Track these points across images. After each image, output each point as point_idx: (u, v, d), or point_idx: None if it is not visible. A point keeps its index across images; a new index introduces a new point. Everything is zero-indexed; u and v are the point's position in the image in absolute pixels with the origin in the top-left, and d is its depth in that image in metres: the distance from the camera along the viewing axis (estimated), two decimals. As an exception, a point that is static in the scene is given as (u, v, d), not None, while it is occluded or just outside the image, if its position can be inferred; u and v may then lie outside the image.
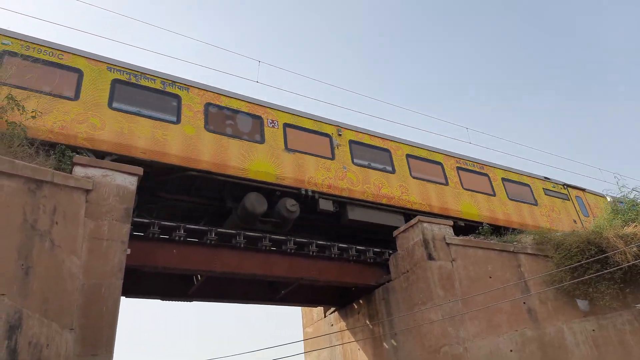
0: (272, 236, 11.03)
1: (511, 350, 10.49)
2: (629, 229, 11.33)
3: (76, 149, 8.52)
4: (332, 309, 14.08)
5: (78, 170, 7.51)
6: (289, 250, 11.10)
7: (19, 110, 6.84)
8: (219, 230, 10.35)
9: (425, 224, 11.43)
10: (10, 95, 6.47)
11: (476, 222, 13.86)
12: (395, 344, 11.46)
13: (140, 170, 8.35)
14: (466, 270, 11.26)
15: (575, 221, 16.65)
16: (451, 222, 12.04)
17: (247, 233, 10.69)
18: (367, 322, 12.51)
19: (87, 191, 7.42)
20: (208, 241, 10.10)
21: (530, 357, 10.49)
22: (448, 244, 11.42)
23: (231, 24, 57.09)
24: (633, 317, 10.43)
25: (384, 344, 11.82)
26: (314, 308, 14.79)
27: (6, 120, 6.46)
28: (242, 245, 10.54)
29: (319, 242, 11.57)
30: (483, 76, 62.47)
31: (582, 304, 11.16)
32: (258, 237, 10.80)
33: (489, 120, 62.24)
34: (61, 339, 6.44)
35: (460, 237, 11.79)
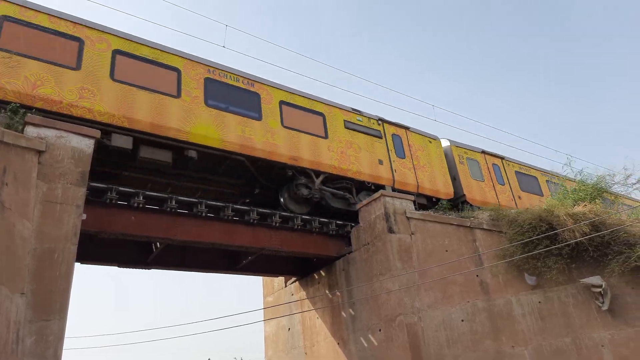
0: (235, 206, 10.96)
1: (462, 320, 10.98)
2: (578, 208, 11.90)
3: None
4: (293, 279, 14.27)
5: (30, 130, 7.15)
6: (252, 220, 11.08)
7: None
8: (179, 198, 10.18)
9: (387, 198, 11.64)
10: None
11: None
12: (353, 312, 11.78)
13: (97, 133, 8.03)
14: (424, 244, 11.59)
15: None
16: (412, 197, 12.30)
17: (209, 202, 10.57)
18: (327, 291, 12.77)
19: (40, 152, 7.11)
20: (168, 209, 9.92)
21: (479, 327, 11.02)
22: (408, 218, 11.69)
23: (199, -14, 54.81)
24: (577, 291, 11.06)
25: (342, 312, 12.13)
26: (275, 278, 14.94)
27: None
28: (203, 214, 10.42)
29: (282, 213, 11.58)
30: (457, 54, 63.02)
31: (529, 279, 11.73)
32: (221, 206, 10.70)
33: (458, 99, 63.19)
34: (11, 304, 6.25)
35: (421, 212, 12.09)
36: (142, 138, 9.80)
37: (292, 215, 11.83)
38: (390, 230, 11.24)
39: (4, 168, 6.39)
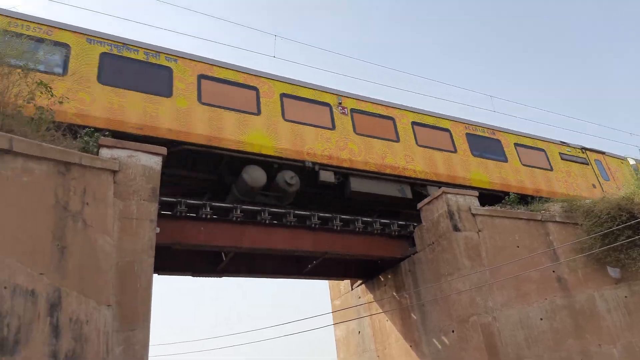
0: (297, 212, 11.12)
1: (541, 319, 10.42)
2: (663, 194, 10.98)
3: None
4: (359, 281, 14.22)
5: (104, 152, 7.66)
6: (313, 225, 11.18)
7: (48, 94, 6.98)
8: (244, 207, 10.48)
9: (449, 195, 11.31)
10: (40, 81, 6.60)
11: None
12: (423, 314, 11.53)
13: (164, 150, 8.46)
14: (493, 240, 11.14)
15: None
16: (476, 193, 11.88)
17: (271, 209, 10.80)
18: (394, 293, 12.60)
19: (114, 172, 7.58)
20: (234, 218, 10.25)
21: (560, 325, 10.41)
22: (474, 215, 11.29)
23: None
24: (667, 283, 10.20)
25: (412, 314, 11.91)
26: (340, 281, 14.96)
27: (34, 105, 6.60)
28: (267, 222, 10.67)
29: (343, 216, 11.60)
30: (486, 41, 60.42)
31: (613, 271, 10.94)
32: (283, 213, 10.90)
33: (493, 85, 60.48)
34: (99, 315, 6.69)
35: (486, 208, 11.64)
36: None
37: (352, 218, 11.82)
38: (456, 228, 10.91)
39: (84, 189, 6.87)
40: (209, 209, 9.95)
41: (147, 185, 7.91)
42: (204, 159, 10.74)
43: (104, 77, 9.65)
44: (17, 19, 9.22)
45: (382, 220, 12.10)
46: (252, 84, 11.57)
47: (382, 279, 13.24)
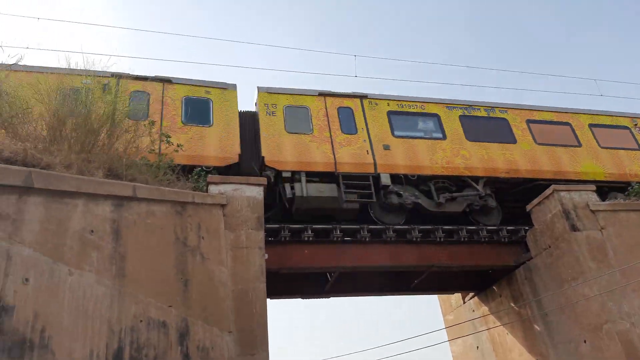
0: (395, 227, 10.97)
1: (693, 323, 9.05)
2: None
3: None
4: (471, 294, 13.53)
5: (212, 189, 8.24)
6: (414, 238, 10.94)
7: (168, 143, 7.77)
8: (342, 226, 10.59)
9: (562, 193, 10.41)
10: (163, 133, 7.36)
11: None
12: (547, 324, 10.61)
13: (264, 181, 8.89)
14: (620, 238, 9.99)
15: None
16: (593, 187, 10.80)
17: (370, 227, 10.78)
18: (512, 304, 11.77)
19: (223, 206, 8.12)
20: (334, 238, 10.39)
21: None
22: (593, 211, 10.25)
23: (322, 24, 58.15)
24: None
25: (534, 325, 11.01)
26: (451, 295, 14.36)
27: (156, 153, 7.35)
28: (366, 239, 10.65)
29: (445, 227, 11.21)
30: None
31: None
32: (382, 229, 10.82)
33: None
34: (222, 342, 7.11)
35: (608, 202, 10.52)
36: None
37: (456, 228, 11.37)
38: (574, 228, 9.96)
39: (199, 224, 7.44)
40: (310, 232, 10.21)
41: (252, 215, 8.34)
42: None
43: (467, 135, 12.41)
44: (405, 101, 12.75)
45: (489, 227, 11.47)
46: (564, 120, 13.64)
47: (497, 290, 12.46)
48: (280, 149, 10.97)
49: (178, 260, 6.72)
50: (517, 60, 56.51)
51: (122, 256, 5.78)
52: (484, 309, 12.90)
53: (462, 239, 11.23)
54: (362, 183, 11.02)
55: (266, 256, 8.26)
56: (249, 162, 11.01)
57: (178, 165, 8.66)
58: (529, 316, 11.14)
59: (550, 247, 10.50)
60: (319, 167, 10.98)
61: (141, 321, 6.05)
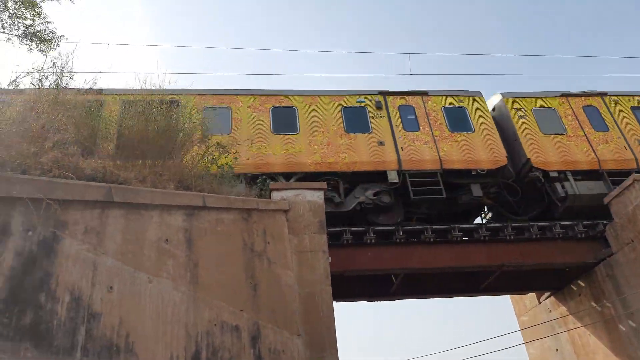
0: (462, 226, 10.65)
1: None
2: None
3: None
4: (547, 293, 12.82)
5: (275, 195, 8.43)
6: (482, 237, 10.56)
7: (224, 155, 8.08)
8: (405, 227, 10.44)
9: (645, 182, 9.63)
10: (217, 143, 7.66)
11: None
12: (634, 324, 9.82)
13: (324, 185, 8.97)
14: None
15: None
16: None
17: (434, 227, 10.55)
18: (593, 304, 11.02)
19: (286, 211, 8.27)
20: (397, 239, 10.26)
21: None
22: (682, 200, 9.39)
23: (372, 25, 57.84)
24: None
25: (620, 325, 10.23)
26: (524, 295, 13.68)
27: (216, 165, 7.65)
28: (432, 240, 10.43)
29: (514, 224, 10.72)
30: None
31: None
32: (447, 229, 10.55)
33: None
34: (292, 345, 7.23)
35: (698, 189, 9.59)
36: None
37: (527, 225, 10.85)
38: (660, 220, 9.17)
39: (264, 230, 7.62)
40: (372, 234, 10.15)
41: (314, 219, 8.43)
42: None
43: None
44: None
45: (563, 223, 10.83)
46: None
47: (575, 289, 11.72)
48: (543, 150, 11.63)
49: (247, 265, 6.92)
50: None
51: (195, 263, 6.04)
52: (562, 309, 12.18)
53: (534, 236, 10.70)
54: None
55: (330, 259, 8.31)
56: None
57: (246, 174, 9.09)
58: (613, 316, 10.37)
59: (633, 241, 9.74)
60: (583, 166, 11.51)
61: (215, 325, 6.28)
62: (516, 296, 14.13)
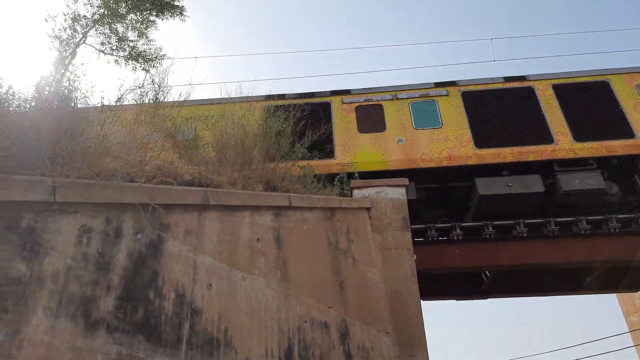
0: (558, 219, 9.95)
1: None
2: None
3: None
4: (660, 291, 11.60)
5: (356, 193, 8.48)
6: (582, 231, 9.79)
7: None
8: (495, 223, 9.98)
9: None
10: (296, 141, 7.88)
11: None
12: None
13: (405, 181, 8.84)
14: None
15: None
16: None
17: (527, 221, 9.97)
18: None
19: (368, 209, 8.29)
20: (487, 236, 9.84)
21: None
22: None
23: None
24: None
25: None
26: (633, 293, 12.48)
27: (298, 166, 7.88)
28: (524, 235, 9.86)
29: (620, 216, 9.81)
30: None
31: None
32: (542, 222, 9.93)
33: None
34: (381, 342, 7.23)
35: None
36: None
37: (633, 216, 9.89)
38: None
39: (347, 228, 7.70)
40: (458, 230, 9.84)
41: (397, 216, 8.36)
42: None
43: None
44: None
45: (677, 213, 9.74)
46: None
47: (696, 286, 10.48)
48: None
49: (332, 263, 7.04)
50: None
51: (284, 261, 6.27)
52: (681, 309, 10.94)
53: (641, 228, 9.73)
54: None
55: (415, 257, 8.19)
56: None
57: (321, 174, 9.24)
58: None
59: None
60: None
61: (305, 321, 6.47)
62: (624, 294, 12.93)
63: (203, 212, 5.45)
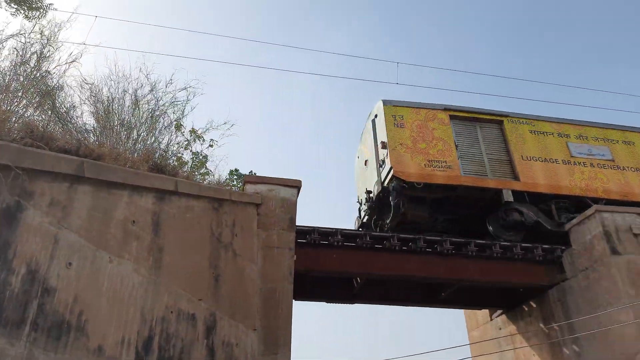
0: (428, 237, 10.85)
1: None
2: None
3: None
4: (499, 311, 13.22)
5: (249, 187, 8.40)
6: (446, 250, 10.78)
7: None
8: (373, 233, 10.56)
9: (605, 214, 10.07)
10: (192, 129, 7.58)
11: None
12: (577, 349, 10.26)
13: (299, 183, 8.97)
14: (664, 265, 9.58)
15: None
16: (639, 209, 10.40)
17: (401, 235, 10.70)
18: (541, 325, 11.44)
19: (258, 205, 8.25)
20: (364, 244, 10.36)
21: None
22: (636, 235, 9.87)
23: (363, 32, 58.02)
24: None
25: (564, 349, 10.66)
26: (478, 311, 14.08)
27: (192, 151, 7.59)
28: (396, 247, 10.58)
29: (478, 241, 11.00)
30: None
31: None
32: (412, 238, 10.72)
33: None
34: (247, 339, 7.23)
35: (652, 227, 10.10)
36: None
37: (489, 242, 11.15)
38: (614, 252, 9.62)
39: (234, 221, 7.59)
40: (339, 236, 10.22)
41: (285, 216, 8.45)
42: None
43: None
44: None
45: (524, 245, 11.19)
46: None
47: (527, 309, 12.14)
48: None
49: (212, 255, 6.88)
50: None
51: (160, 248, 5.98)
52: (512, 327, 12.59)
53: (495, 255, 11.00)
54: None
55: (295, 257, 8.35)
56: None
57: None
58: (559, 339, 10.80)
59: (587, 269, 10.17)
60: None
61: (172, 312, 6.22)
62: (470, 311, 14.51)
63: (75, 184, 4.97)
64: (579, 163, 12.22)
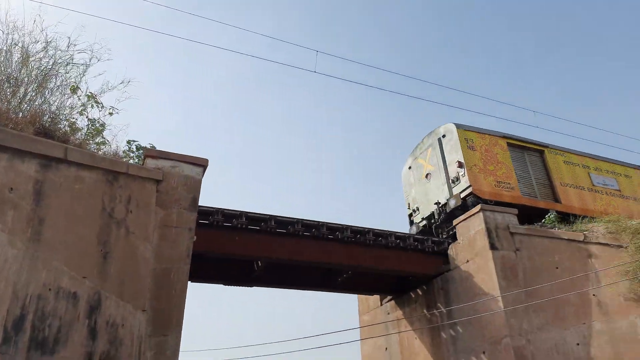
0: (330, 224, 11.16)
1: (578, 344, 10.04)
2: None
3: None
4: (389, 297, 14.08)
5: (149, 162, 7.93)
6: (346, 238, 11.19)
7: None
8: (278, 217, 10.61)
9: (487, 213, 11.11)
10: (90, 93, 6.96)
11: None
12: (453, 334, 11.30)
13: (205, 162, 8.68)
14: (531, 261, 10.85)
15: None
16: (516, 211, 11.64)
17: (305, 221, 10.89)
18: (425, 311, 12.41)
19: (158, 181, 7.84)
20: (268, 229, 10.38)
21: (598, 351, 9.98)
22: (512, 233, 11.04)
23: (284, 15, 57.41)
24: None
25: (442, 333, 11.69)
26: (370, 296, 14.85)
27: (87, 117, 6.97)
28: (300, 233, 10.75)
29: (376, 230, 11.56)
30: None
31: (659, 297, 10.42)
32: (315, 224, 10.97)
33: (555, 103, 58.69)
34: (134, 320, 6.90)
35: (526, 226, 11.37)
36: None
37: (386, 232, 11.77)
38: (493, 247, 10.69)
39: (129, 197, 7.15)
40: (244, 219, 10.12)
41: (188, 195, 8.14)
42: None
43: None
44: None
45: (416, 236, 11.99)
46: None
47: (413, 296, 13.07)
48: None
49: (102, 231, 6.44)
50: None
51: (41, 219, 5.46)
52: (399, 312, 13.49)
53: (391, 244, 11.64)
54: None
55: (194, 238, 8.10)
56: None
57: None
58: (439, 324, 11.80)
59: (469, 261, 11.18)
60: None
61: (50, 290, 5.75)
62: (363, 296, 15.27)
63: (-62, 142, 4.34)
64: (599, 191, 14.52)
